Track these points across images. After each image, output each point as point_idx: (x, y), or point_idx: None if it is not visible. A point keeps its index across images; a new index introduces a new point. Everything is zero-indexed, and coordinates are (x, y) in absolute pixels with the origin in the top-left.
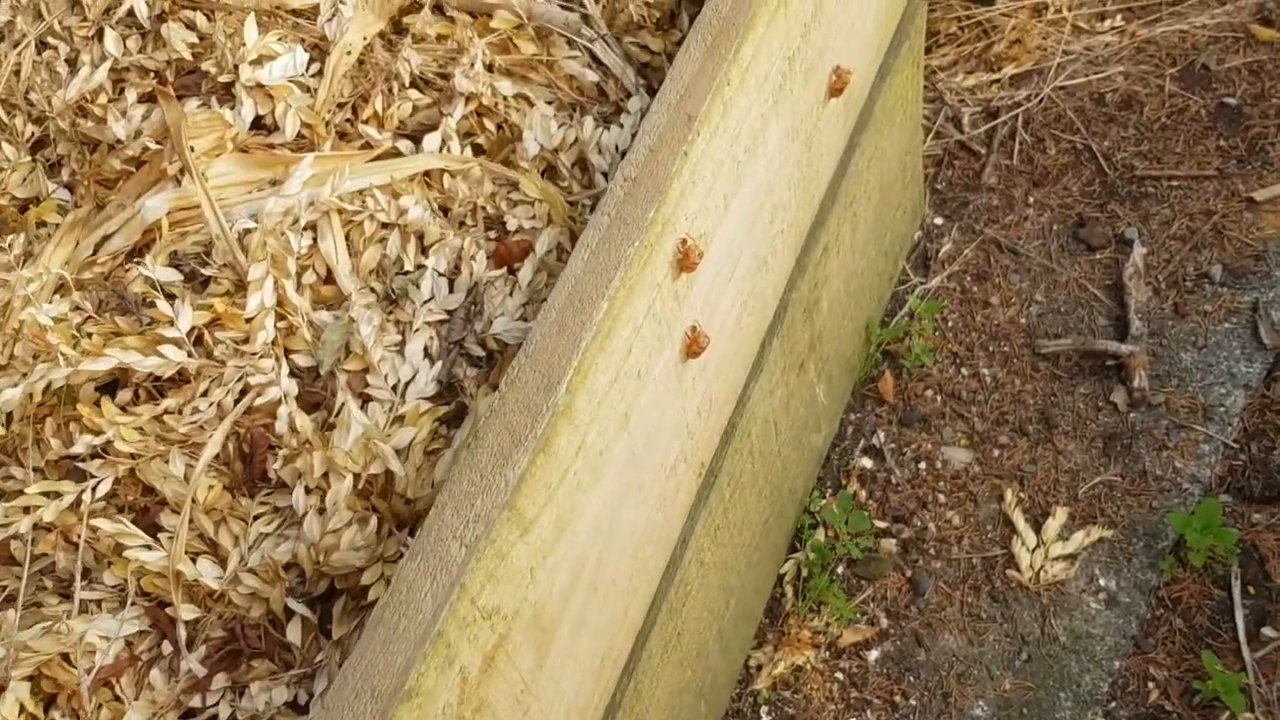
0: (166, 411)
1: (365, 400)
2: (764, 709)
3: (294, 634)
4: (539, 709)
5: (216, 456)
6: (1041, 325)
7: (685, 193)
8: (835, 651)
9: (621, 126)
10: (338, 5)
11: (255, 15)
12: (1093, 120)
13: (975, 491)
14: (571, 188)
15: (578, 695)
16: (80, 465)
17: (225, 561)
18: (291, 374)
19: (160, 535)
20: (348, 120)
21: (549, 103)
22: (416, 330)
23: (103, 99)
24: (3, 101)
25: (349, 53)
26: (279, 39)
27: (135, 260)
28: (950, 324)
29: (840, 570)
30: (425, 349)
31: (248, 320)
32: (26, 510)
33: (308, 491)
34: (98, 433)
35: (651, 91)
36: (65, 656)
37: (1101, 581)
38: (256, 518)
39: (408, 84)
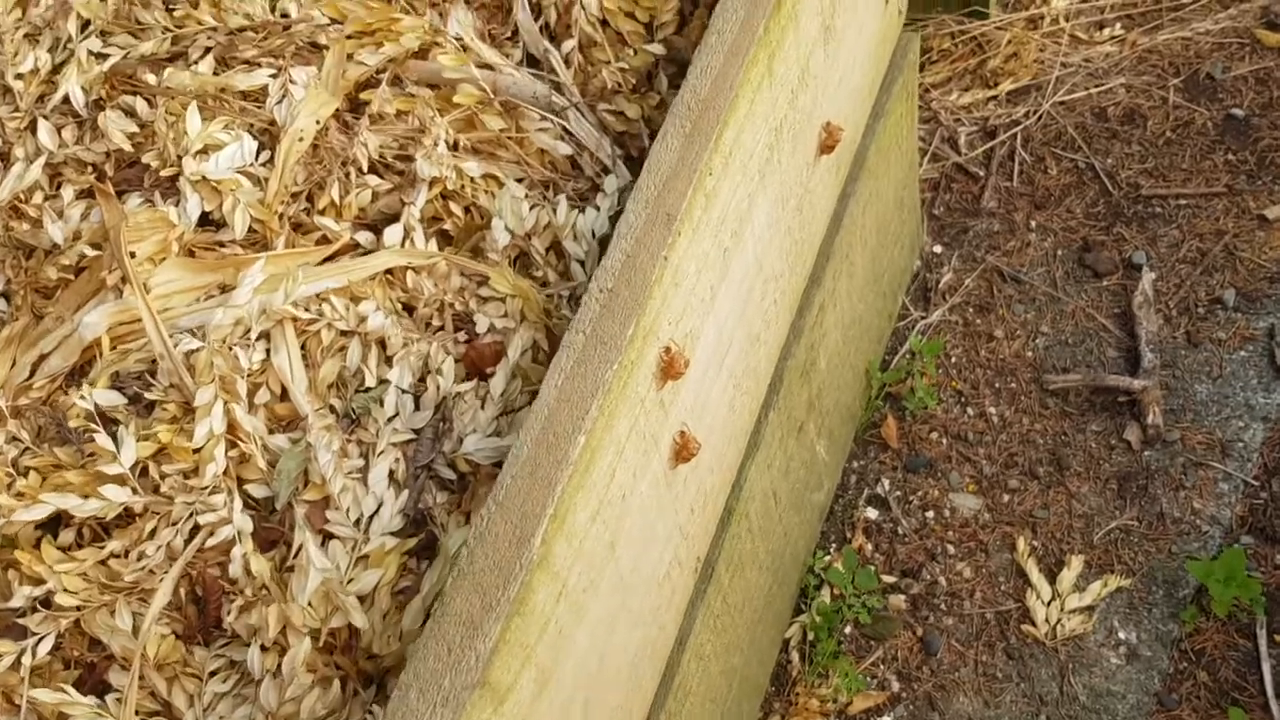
0: (112, 555)
1: (326, 537)
2: None
3: None
4: None
5: (168, 603)
6: (1049, 358)
7: (667, 298)
8: None
9: (598, 209)
10: (288, 85)
11: (199, 100)
12: (1095, 136)
13: (986, 541)
14: (546, 277)
15: None
16: (19, 621)
17: None
18: (246, 507)
19: (109, 696)
20: (304, 209)
21: (519, 180)
22: (381, 453)
23: (38, 197)
24: None
25: (301, 139)
26: (225, 126)
27: (75, 382)
28: (953, 360)
29: (848, 630)
30: (390, 474)
31: (196, 451)
32: None
33: (264, 649)
34: (38, 582)
35: (629, 160)
36: None
37: (1121, 634)
38: (212, 674)
39: (366, 169)
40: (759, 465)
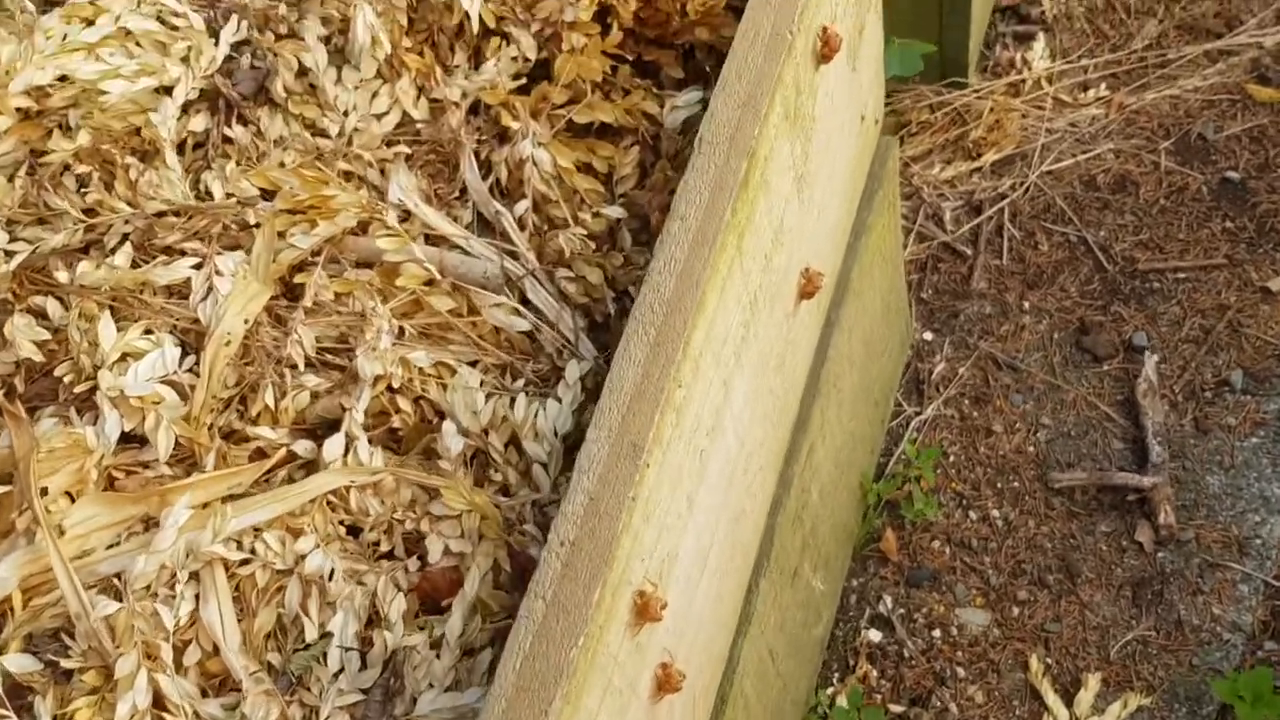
0: None
1: None
2: None
3: None
4: None
5: None
6: (1052, 453)
7: (638, 537)
8: None
9: (559, 401)
10: (213, 279)
11: (117, 296)
12: (1085, 207)
13: (997, 660)
14: (507, 480)
15: None
16: None
17: None
18: None
19: None
20: (237, 413)
21: (473, 363)
22: (326, 718)
23: None
24: None
25: (228, 342)
26: (144, 331)
27: None
28: (951, 459)
29: None
30: None
31: None
32: None
33: None
34: None
35: (594, 328)
36: None
37: None
38: None
39: (302, 368)
40: (752, 637)
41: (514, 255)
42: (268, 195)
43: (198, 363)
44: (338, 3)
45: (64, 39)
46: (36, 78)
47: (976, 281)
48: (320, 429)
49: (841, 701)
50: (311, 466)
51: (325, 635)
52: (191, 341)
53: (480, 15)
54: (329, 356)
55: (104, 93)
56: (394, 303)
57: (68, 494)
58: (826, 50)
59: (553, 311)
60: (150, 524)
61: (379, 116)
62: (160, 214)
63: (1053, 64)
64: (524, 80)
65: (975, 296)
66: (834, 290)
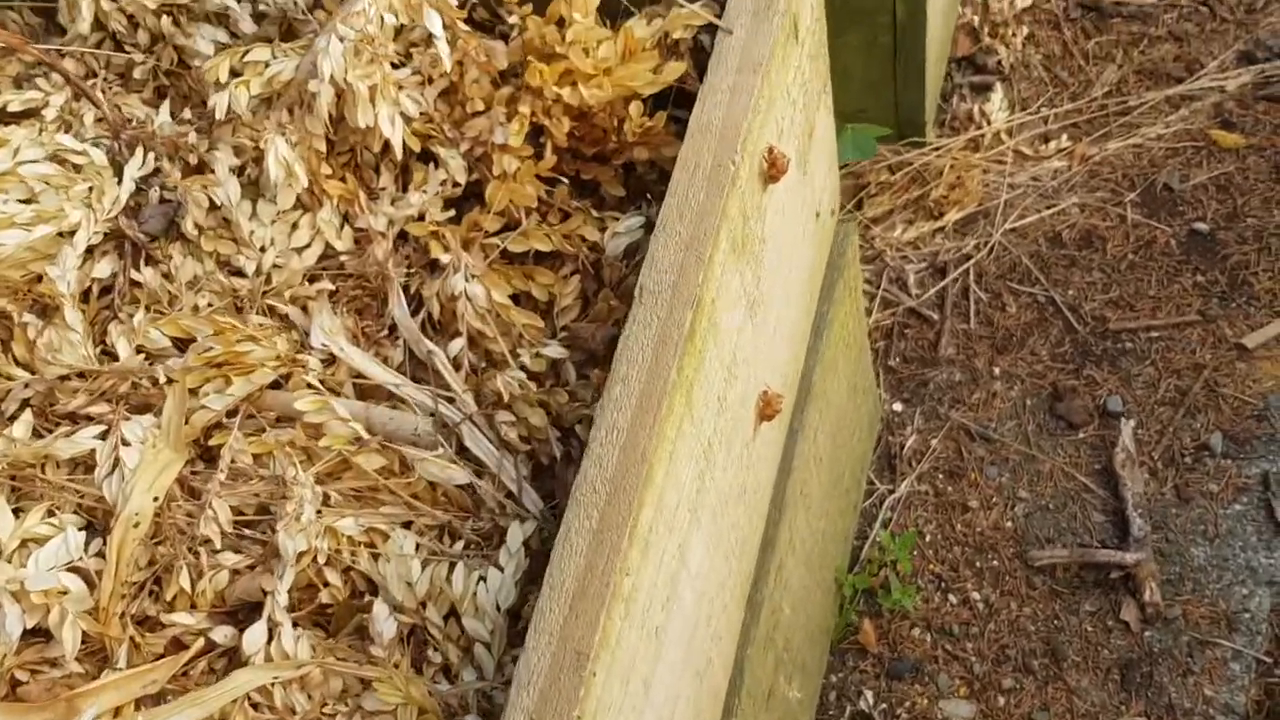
0: None
1: None
2: None
3: None
4: None
5: None
6: (1030, 529)
7: None
8: None
9: (501, 570)
10: (119, 449)
11: (16, 477)
12: (1052, 265)
13: None
14: (447, 657)
15: None
16: None
17: None
18: None
19: None
20: (151, 595)
21: (407, 525)
22: None
23: None
24: None
25: (137, 523)
26: (45, 515)
27: None
28: (928, 538)
29: None
30: None
31: None
32: None
33: None
34: None
35: (539, 473)
36: None
37: None
38: None
39: (220, 545)
40: None
41: (450, 399)
42: (181, 345)
43: (105, 545)
44: (251, 131)
45: None
46: None
47: (944, 348)
48: (241, 611)
49: None
50: (233, 654)
51: None
52: (99, 519)
53: (404, 140)
54: (248, 531)
55: None
56: (319, 466)
57: None
58: (774, 172)
59: (493, 460)
60: None
61: (300, 250)
62: (63, 377)
63: (1012, 115)
64: (456, 204)
65: (944, 363)
66: (795, 400)
